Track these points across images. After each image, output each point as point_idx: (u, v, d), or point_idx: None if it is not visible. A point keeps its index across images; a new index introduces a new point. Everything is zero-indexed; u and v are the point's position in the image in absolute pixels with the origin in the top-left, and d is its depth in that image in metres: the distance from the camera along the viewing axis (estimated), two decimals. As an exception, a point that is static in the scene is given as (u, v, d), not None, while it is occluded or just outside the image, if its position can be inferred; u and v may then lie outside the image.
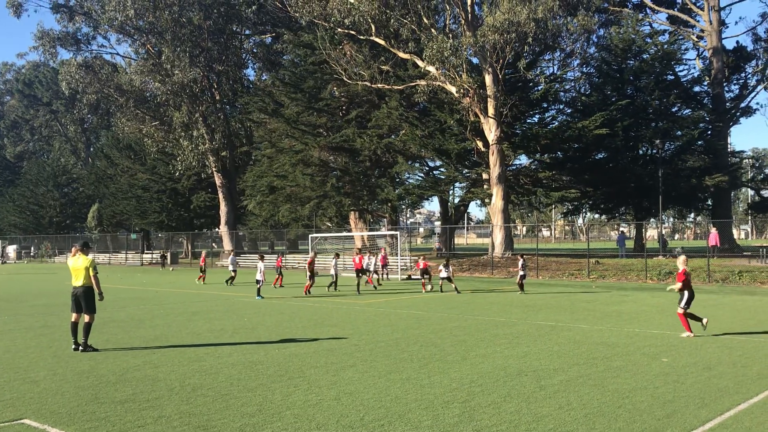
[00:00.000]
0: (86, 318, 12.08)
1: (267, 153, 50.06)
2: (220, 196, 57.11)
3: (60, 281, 34.68)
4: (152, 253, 62.09)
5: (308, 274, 24.95)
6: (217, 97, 56.64)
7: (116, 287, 29.42)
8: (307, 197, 45.98)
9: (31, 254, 74.95)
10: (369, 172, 46.32)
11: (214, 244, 65.18)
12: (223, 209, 57.08)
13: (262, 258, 24.74)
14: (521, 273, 23.65)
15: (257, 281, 23.18)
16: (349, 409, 7.63)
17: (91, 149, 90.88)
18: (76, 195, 79.50)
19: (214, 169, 55.83)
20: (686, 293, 12.94)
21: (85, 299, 12.08)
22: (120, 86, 55.79)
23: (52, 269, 51.87)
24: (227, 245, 56.23)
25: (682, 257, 13.45)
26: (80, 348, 11.89)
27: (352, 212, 47.93)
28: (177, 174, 56.73)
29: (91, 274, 12.09)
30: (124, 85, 55.32)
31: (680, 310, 12.92)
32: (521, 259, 24.09)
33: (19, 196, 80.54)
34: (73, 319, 12.18)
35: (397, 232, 40.14)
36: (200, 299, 22.72)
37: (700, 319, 13.01)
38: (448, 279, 24.00)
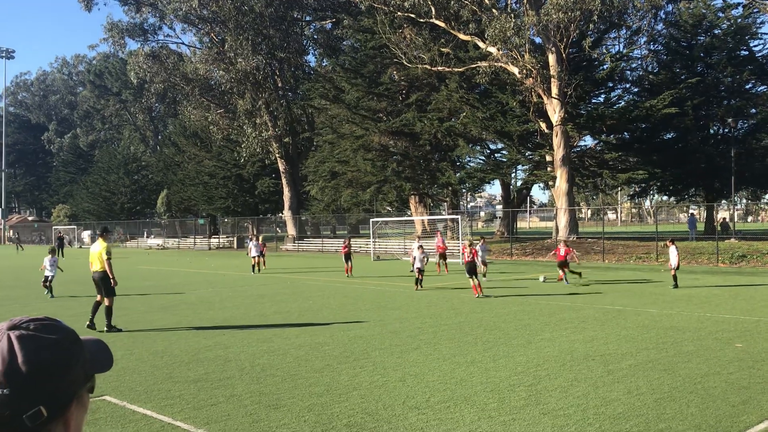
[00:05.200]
0: (106, 302, 12.46)
1: (328, 139, 50.50)
2: (284, 181, 58.00)
3: (132, 265, 36.05)
4: (219, 238, 63.70)
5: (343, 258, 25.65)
6: (280, 84, 57.36)
7: (186, 270, 30.36)
8: (367, 182, 46.22)
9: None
10: (429, 156, 46.18)
11: (278, 229, 66.35)
12: (286, 194, 57.98)
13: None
14: (675, 263, 19.06)
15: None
16: (415, 390, 7.70)
17: (159, 137, 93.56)
18: (145, 182, 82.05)
19: (277, 155, 56.69)
20: None
21: (102, 284, 12.47)
22: (186, 75, 57.13)
23: (124, 254, 53.89)
24: (291, 230, 57.16)
25: None
26: (105, 329, 12.28)
27: (413, 196, 47.94)
28: (242, 160, 57.88)
29: (104, 258, 12.43)
30: (190, 74, 56.61)
31: None
32: (673, 245, 19.25)
33: (92, 183, 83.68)
34: (98, 299, 12.71)
35: (458, 216, 39.92)
36: (267, 282, 23.23)
37: None
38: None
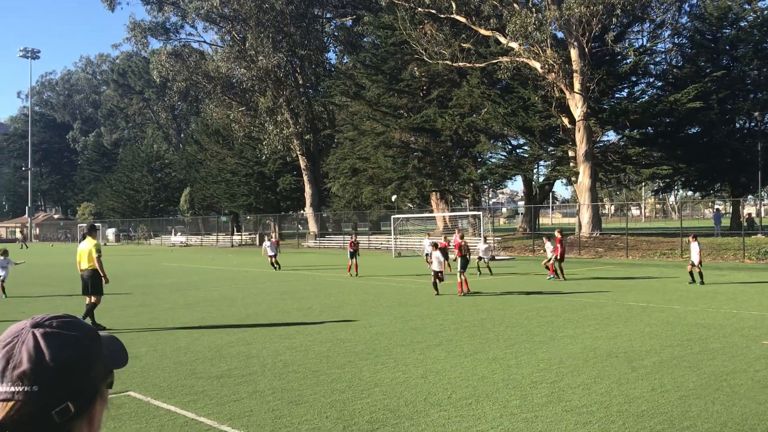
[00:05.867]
0: (93, 299, 12.33)
1: (349, 135, 50.57)
2: (305, 178, 58.21)
3: (155, 263, 36.40)
4: (241, 235, 64.14)
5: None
6: (300, 82, 57.52)
7: (209, 268, 30.60)
8: (388, 179, 46.20)
9: (131, 236, 78.92)
10: (450, 152, 46.04)
11: (299, 226, 66.66)
12: (308, 191, 58.19)
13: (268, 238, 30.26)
14: (698, 259, 18.70)
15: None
16: (437, 387, 7.69)
17: (182, 135, 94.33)
18: (168, 179, 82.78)
19: (298, 152, 56.89)
20: None
21: (91, 282, 12.31)
22: (207, 73, 57.52)
23: (148, 251, 54.47)
24: (312, 227, 57.38)
25: None
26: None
27: (434, 193, 47.85)
28: (263, 158, 58.15)
29: (94, 257, 12.30)
30: (212, 72, 56.98)
31: None
32: (695, 241, 18.88)
33: (116, 182, 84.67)
34: (87, 301, 12.55)
35: (480, 213, 39.78)
36: (288, 279, 23.34)
37: None
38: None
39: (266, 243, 29.48)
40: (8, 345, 1.08)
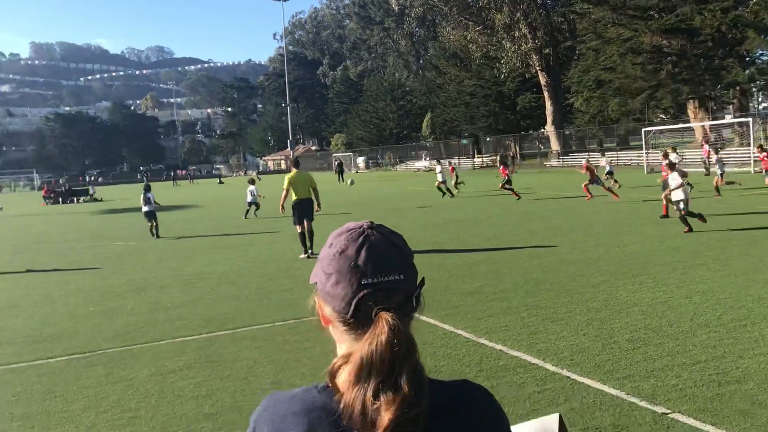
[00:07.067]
0: (308, 225, 12.76)
1: (592, 45, 47.59)
2: (545, 95, 56.34)
3: (402, 187, 38.18)
4: (482, 157, 64.51)
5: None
6: (537, -7, 55.03)
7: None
8: (638, 89, 42.90)
9: (378, 162, 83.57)
10: (711, 54, 41.18)
11: (540, 145, 65.16)
12: (548, 109, 56.37)
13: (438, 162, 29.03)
14: None
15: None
16: (703, 308, 7.15)
17: (421, 61, 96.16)
18: (410, 107, 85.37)
19: (537, 68, 55.03)
20: None
21: (310, 209, 12.96)
22: (443, -5, 57.51)
23: (394, 177, 57.30)
24: (554, 145, 55.76)
25: None
26: (310, 254, 12.67)
27: (691, 101, 43.49)
28: (501, 77, 57.26)
29: (312, 186, 12.99)
30: (447, -7, 56.86)
31: None
32: None
33: (363, 112, 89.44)
34: (299, 230, 12.88)
35: (749, 119, 35.39)
36: (531, 200, 23.11)
37: None
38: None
39: (437, 168, 28.22)
40: (366, 245, 1.17)
